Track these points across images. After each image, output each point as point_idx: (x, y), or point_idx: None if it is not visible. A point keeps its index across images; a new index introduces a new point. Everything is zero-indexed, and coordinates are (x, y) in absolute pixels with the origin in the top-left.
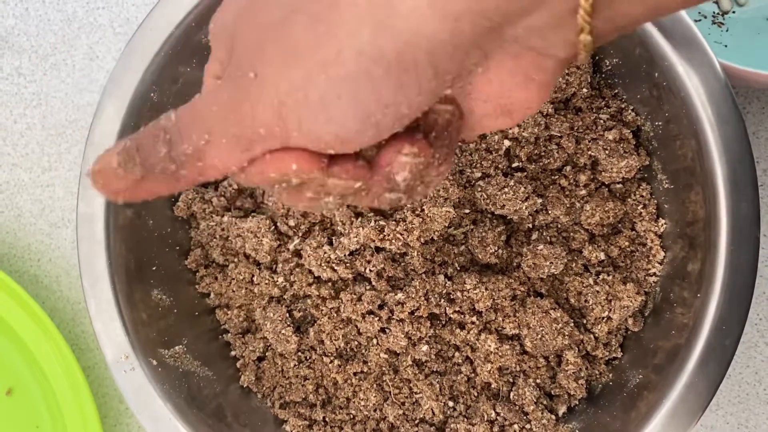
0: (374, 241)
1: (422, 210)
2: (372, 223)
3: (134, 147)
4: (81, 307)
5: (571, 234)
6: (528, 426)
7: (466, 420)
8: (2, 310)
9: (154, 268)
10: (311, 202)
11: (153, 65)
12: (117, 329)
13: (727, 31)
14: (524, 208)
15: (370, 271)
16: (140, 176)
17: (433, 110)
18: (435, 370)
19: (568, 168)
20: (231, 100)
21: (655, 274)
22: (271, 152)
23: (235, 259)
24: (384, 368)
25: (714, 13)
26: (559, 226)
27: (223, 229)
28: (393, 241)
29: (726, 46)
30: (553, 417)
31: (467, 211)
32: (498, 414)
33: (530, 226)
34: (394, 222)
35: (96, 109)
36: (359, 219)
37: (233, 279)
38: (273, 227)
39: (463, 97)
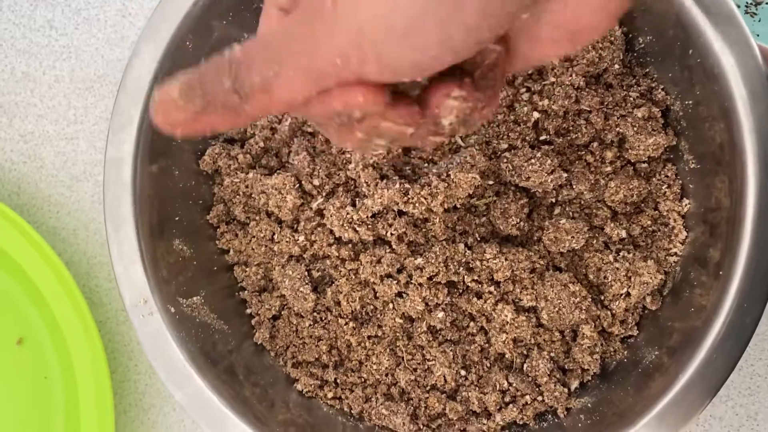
0: (398, 204)
1: (448, 175)
2: (397, 186)
3: (197, 79)
4: (97, 261)
5: (594, 210)
6: (540, 398)
7: (477, 389)
8: (20, 257)
9: (176, 219)
10: (361, 142)
11: (190, 16)
12: (138, 273)
13: (759, 21)
14: (549, 181)
15: (392, 234)
16: (201, 108)
17: (481, 50)
18: (449, 338)
19: (595, 144)
20: (305, 30)
21: (676, 254)
22: (340, 84)
23: (257, 217)
24: (398, 333)
25: (747, 3)
26: (582, 202)
27: (246, 186)
28: (416, 205)
29: (758, 35)
30: (566, 390)
31: (491, 182)
32: (510, 384)
33: (553, 200)
34: (418, 186)
35: (131, 55)
36: (384, 181)
37: (253, 236)
38: (297, 185)
39: (535, 22)
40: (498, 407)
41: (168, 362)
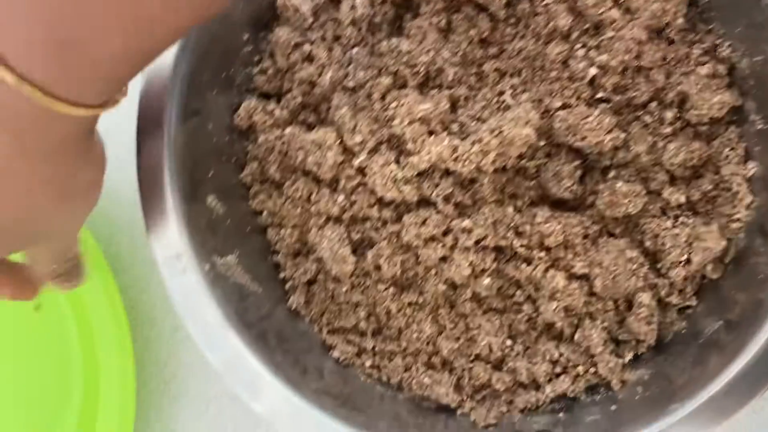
0: (446, 161)
1: (501, 131)
2: (446, 142)
3: None
4: (119, 225)
5: (651, 174)
6: (593, 369)
7: (526, 359)
8: None
9: (210, 176)
10: None
11: None
12: (172, 228)
13: None
14: (607, 140)
15: (437, 195)
16: None
17: None
18: (494, 307)
19: (654, 104)
20: None
21: (739, 219)
22: None
23: (293, 176)
24: (440, 301)
25: None
26: (638, 165)
27: (283, 143)
28: (466, 163)
29: None
30: (621, 361)
31: (542, 143)
32: (561, 354)
33: (607, 164)
34: (470, 143)
35: None
36: (432, 137)
37: (289, 197)
38: (339, 141)
39: None
40: (548, 378)
41: (202, 322)
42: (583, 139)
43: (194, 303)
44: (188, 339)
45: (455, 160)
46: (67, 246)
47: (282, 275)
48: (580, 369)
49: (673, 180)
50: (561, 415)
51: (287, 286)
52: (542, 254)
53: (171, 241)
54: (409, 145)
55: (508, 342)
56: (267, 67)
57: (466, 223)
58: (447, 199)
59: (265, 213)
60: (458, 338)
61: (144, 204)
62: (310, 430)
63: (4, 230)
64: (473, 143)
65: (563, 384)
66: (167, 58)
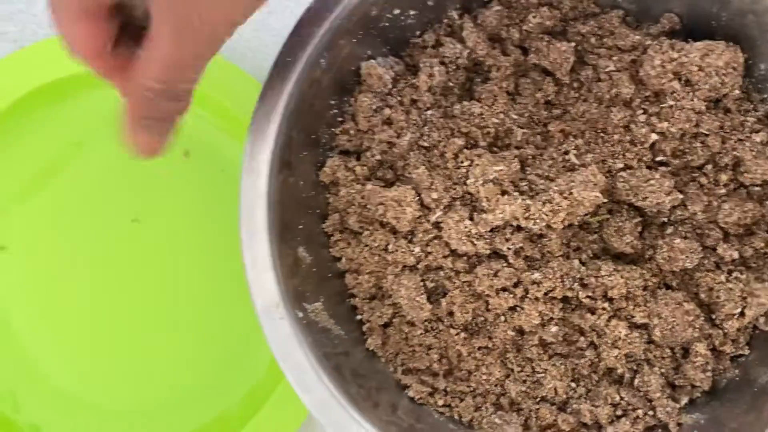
0: (518, 219)
1: (570, 193)
2: (519, 201)
3: None
4: None
5: (706, 231)
6: (652, 412)
7: (589, 401)
8: None
9: (300, 227)
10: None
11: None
12: (269, 279)
13: None
14: (667, 201)
15: (509, 249)
16: None
17: None
18: (559, 352)
19: (710, 166)
20: None
21: None
22: None
23: (371, 227)
24: (508, 345)
25: None
26: (694, 222)
27: (362, 197)
28: (537, 221)
29: None
30: (677, 405)
31: (605, 200)
32: (622, 398)
33: (665, 220)
34: (540, 202)
35: (270, 72)
36: (505, 196)
37: (366, 246)
38: (417, 197)
39: None
40: (610, 420)
41: (296, 366)
42: (645, 199)
43: (289, 348)
44: None
45: (527, 218)
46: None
47: (359, 317)
48: (640, 412)
49: (726, 237)
50: None
51: (365, 327)
52: (605, 305)
53: (269, 290)
54: (484, 204)
55: (572, 385)
56: (349, 128)
57: (536, 275)
58: (517, 253)
59: (344, 259)
60: (525, 381)
61: (245, 255)
62: None
63: None
64: (544, 203)
65: (624, 426)
66: (273, 122)
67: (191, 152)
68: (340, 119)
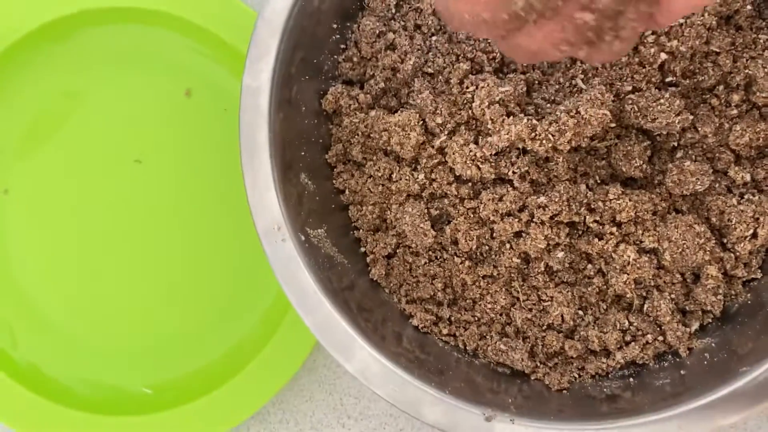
0: (524, 141)
1: (578, 112)
2: (525, 122)
3: None
4: None
5: (717, 154)
6: (661, 338)
7: (597, 328)
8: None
9: (302, 154)
10: None
11: None
12: (272, 200)
13: None
14: (677, 122)
15: (514, 173)
16: None
17: None
18: (565, 280)
19: (721, 87)
20: None
21: None
22: None
23: (374, 157)
24: (513, 274)
25: None
26: (705, 145)
27: (366, 126)
28: (543, 142)
29: None
30: (688, 330)
31: (613, 125)
32: (631, 324)
33: (675, 144)
34: (546, 122)
35: None
36: (510, 117)
37: (370, 176)
38: (421, 122)
39: None
40: (618, 346)
41: (299, 288)
42: (654, 120)
43: (292, 270)
44: None
45: (533, 139)
46: None
47: (363, 249)
48: (649, 337)
49: (738, 159)
50: (631, 380)
51: (368, 259)
52: (613, 229)
53: (271, 213)
54: (489, 126)
55: (580, 312)
56: (352, 54)
57: (542, 199)
58: (523, 177)
59: (347, 191)
60: (531, 309)
61: (246, 174)
62: (396, 388)
63: None
64: (551, 123)
65: (633, 351)
66: (272, 40)
67: (193, 91)
68: (342, 46)
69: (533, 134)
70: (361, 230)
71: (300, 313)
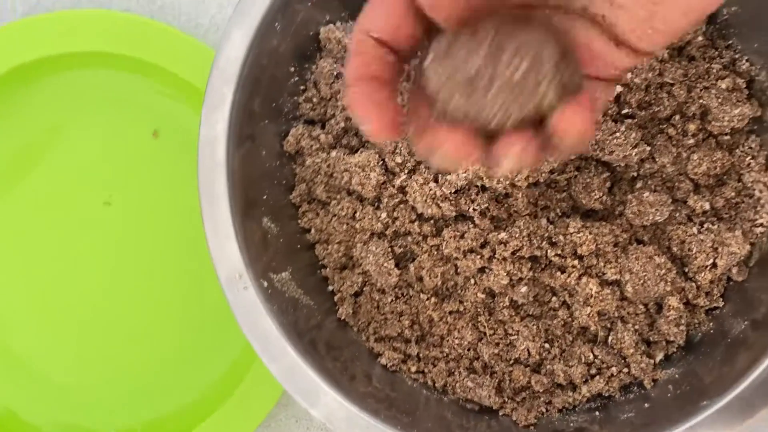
0: (481, 179)
1: None
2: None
3: None
4: None
5: (676, 183)
6: (626, 369)
7: (562, 361)
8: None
9: (264, 197)
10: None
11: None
12: (232, 248)
13: None
14: (633, 154)
15: (474, 209)
16: None
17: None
18: (531, 313)
19: (677, 117)
20: None
21: (762, 225)
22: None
23: (338, 196)
24: (479, 308)
25: None
26: (664, 175)
27: (328, 166)
28: (501, 179)
29: None
30: (652, 361)
31: (572, 157)
32: (596, 356)
33: (634, 174)
34: None
35: (221, 37)
36: None
37: (335, 215)
38: (381, 162)
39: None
40: (584, 379)
41: (262, 335)
42: (611, 153)
43: (255, 317)
44: None
45: (490, 177)
46: None
47: (330, 288)
48: (614, 369)
49: (697, 188)
50: (597, 413)
51: (336, 298)
52: (575, 262)
53: (232, 261)
54: None
55: (546, 346)
56: (312, 95)
57: (503, 235)
58: (483, 213)
59: (313, 230)
60: (498, 343)
61: (206, 224)
62: None
63: None
64: None
65: (598, 384)
66: (227, 89)
67: (160, 132)
68: (302, 87)
69: (490, 173)
70: (328, 269)
71: (264, 360)
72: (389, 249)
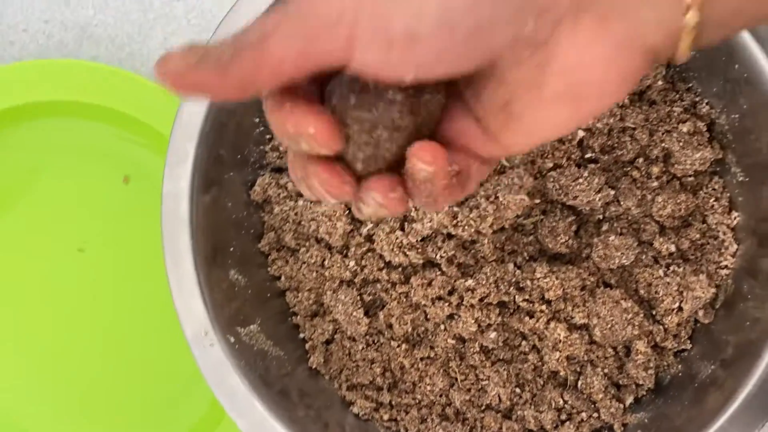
0: (447, 227)
1: (496, 197)
2: (445, 209)
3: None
4: None
5: (642, 226)
6: (596, 414)
7: (533, 407)
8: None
9: (231, 249)
10: (299, 184)
11: None
12: (198, 306)
13: None
14: (597, 199)
15: (441, 257)
16: (193, 62)
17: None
18: (501, 357)
19: (641, 160)
20: None
21: (726, 266)
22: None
23: (307, 243)
24: (450, 354)
25: None
26: (630, 217)
27: (296, 214)
28: (465, 227)
29: None
30: (621, 406)
31: (537, 201)
32: (566, 402)
33: (600, 217)
34: (467, 209)
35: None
36: None
37: (304, 262)
38: (347, 212)
39: (537, 65)
40: (554, 425)
41: (230, 391)
42: (575, 198)
43: (222, 374)
44: None
45: (455, 225)
46: None
47: (301, 336)
48: (584, 415)
49: (663, 230)
50: None
51: (307, 346)
52: (543, 307)
53: (198, 318)
54: (412, 214)
55: (517, 390)
56: (278, 144)
57: (470, 282)
58: (450, 260)
59: (283, 278)
60: (469, 389)
61: (171, 281)
62: None
63: None
64: (471, 209)
65: (568, 430)
66: (190, 145)
67: (131, 177)
68: (268, 136)
69: (455, 221)
70: (299, 316)
71: (232, 416)
72: (358, 297)
